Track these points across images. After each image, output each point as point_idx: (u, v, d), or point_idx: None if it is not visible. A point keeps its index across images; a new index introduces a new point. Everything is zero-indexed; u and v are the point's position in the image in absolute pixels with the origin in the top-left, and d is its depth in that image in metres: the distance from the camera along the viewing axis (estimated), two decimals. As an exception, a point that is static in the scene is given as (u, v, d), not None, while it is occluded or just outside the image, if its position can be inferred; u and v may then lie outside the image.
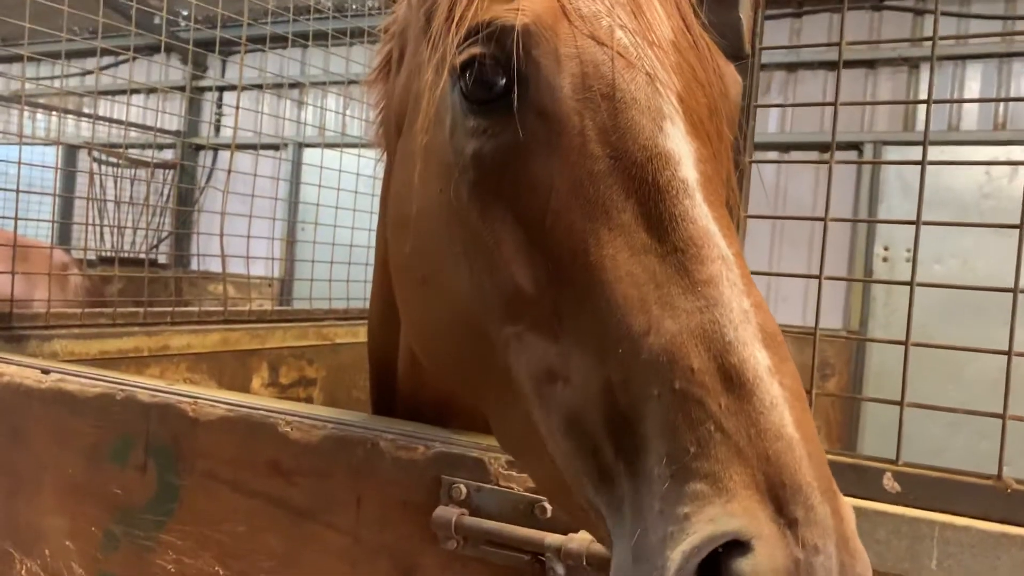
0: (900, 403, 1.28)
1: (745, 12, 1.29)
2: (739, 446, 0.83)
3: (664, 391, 0.88)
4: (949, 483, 1.23)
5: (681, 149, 1.03)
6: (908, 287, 1.34)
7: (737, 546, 0.79)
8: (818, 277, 1.34)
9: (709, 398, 0.86)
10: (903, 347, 1.33)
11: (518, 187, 1.10)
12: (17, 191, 2.90)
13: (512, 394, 1.12)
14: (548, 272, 1.05)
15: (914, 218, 1.32)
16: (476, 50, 1.11)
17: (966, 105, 7.11)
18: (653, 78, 1.07)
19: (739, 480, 0.82)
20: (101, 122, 8.98)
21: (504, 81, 1.10)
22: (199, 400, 1.80)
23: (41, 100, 9.29)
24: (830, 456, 1.31)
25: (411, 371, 1.77)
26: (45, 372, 2.04)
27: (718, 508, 0.81)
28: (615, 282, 0.97)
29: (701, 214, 0.99)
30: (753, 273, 1.48)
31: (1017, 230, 1.29)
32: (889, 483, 1.25)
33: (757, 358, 0.88)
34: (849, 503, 0.86)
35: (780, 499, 0.81)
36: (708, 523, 0.81)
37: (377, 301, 1.91)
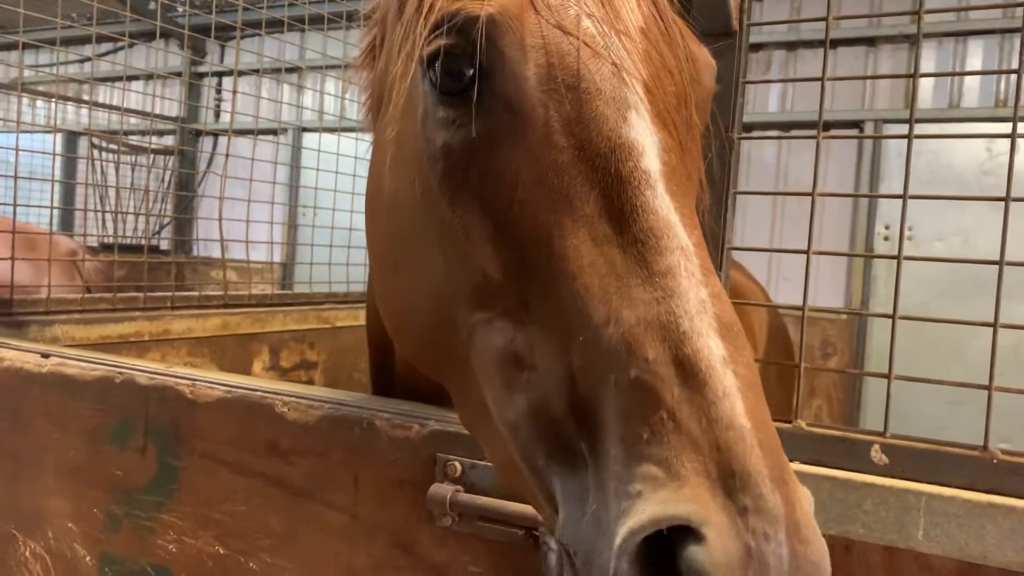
0: (888, 376, 1.29)
1: (733, -12, 1.29)
2: (691, 434, 0.85)
3: (621, 379, 0.90)
4: (936, 454, 1.24)
5: (644, 140, 1.04)
6: (907, 263, 1.35)
7: (688, 533, 0.80)
8: (805, 252, 1.35)
9: (663, 387, 0.87)
10: (906, 327, 1.33)
11: (486, 177, 1.11)
12: (16, 177, 2.91)
13: (474, 377, 1.14)
14: (515, 261, 1.07)
15: (914, 196, 1.33)
16: (442, 41, 1.11)
17: (967, 82, 7.07)
18: (620, 68, 1.07)
19: (690, 467, 0.83)
20: (100, 109, 8.97)
21: (471, 72, 1.10)
22: (197, 382, 1.81)
23: (40, 87, 9.28)
24: (818, 429, 1.32)
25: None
26: (45, 356, 2.06)
27: (669, 491, 0.83)
28: (577, 272, 0.99)
29: (662, 205, 0.99)
30: (749, 250, 1.49)
31: (1014, 203, 1.30)
32: (877, 455, 1.26)
33: (711, 348, 0.89)
34: (805, 491, 0.87)
35: (729, 487, 0.82)
36: (658, 504, 0.82)
37: (373, 281, 1.93)
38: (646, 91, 1.08)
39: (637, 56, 1.10)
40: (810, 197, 1.38)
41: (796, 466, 1.29)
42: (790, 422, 1.33)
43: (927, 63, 7.14)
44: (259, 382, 1.83)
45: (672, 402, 0.87)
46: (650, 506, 0.83)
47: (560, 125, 1.06)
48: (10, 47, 10.86)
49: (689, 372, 0.88)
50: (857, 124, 7.29)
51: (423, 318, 1.26)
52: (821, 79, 1.31)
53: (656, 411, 0.87)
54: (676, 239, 0.97)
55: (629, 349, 0.91)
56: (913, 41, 7.16)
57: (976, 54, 7.06)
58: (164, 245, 9.09)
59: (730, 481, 0.82)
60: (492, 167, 1.10)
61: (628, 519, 0.83)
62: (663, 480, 0.84)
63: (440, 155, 1.16)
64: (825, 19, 1.31)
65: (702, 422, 0.85)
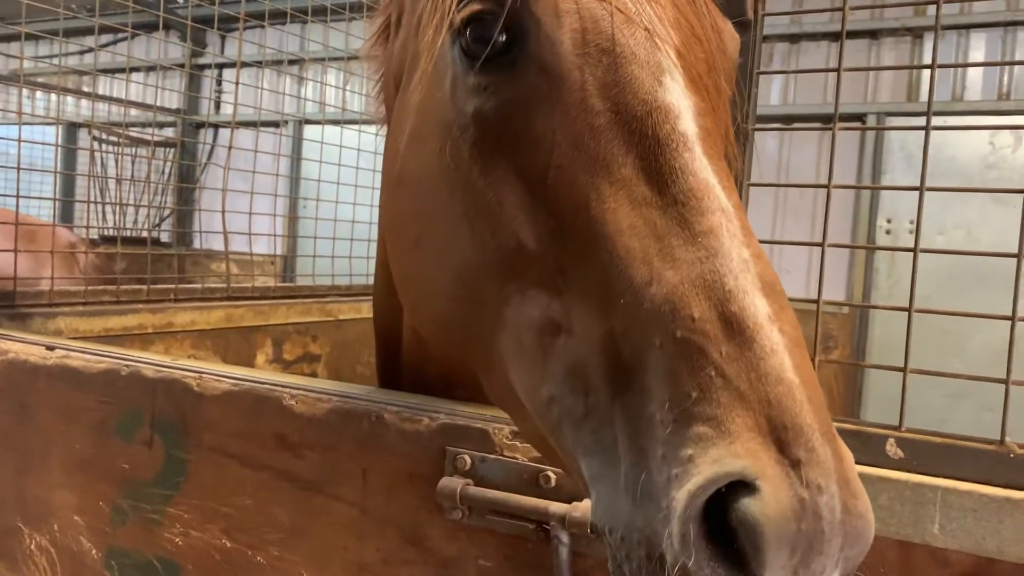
0: (903, 369, 1.28)
1: (747, -22, 1.28)
2: (740, 391, 0.85)
3: (666, 340, 0.90)
4: (952, 448, 1.24)
5: (680, 103, 1.04)
6: (911, 256, 1.34)
7: (742, 487, 0.81)
8: (821, 245, 1.34)
9: (710, 345, 0.87)
10: (905, 320, 1.32)
11: (520, 143, 1.11)
12: (18, 169, 2.90)
13: (500, 352, 1.14)
14: (551, 227, 1.06)
15: (932, 188, 1.32)
16: (477, 6, 1.12)
17: (970, 75, 7.06)
18: (652, 33, 1.08)
19: (742, 423, 0.83)
20: (101, 100, 8.95)
21: (503, 37, 1.11)
22: (204, 375, 1.80)
23: (40, 79, 9.25)
24: (834, 422, 1.32)
25: (416, 343, 1.77)
26: (50, 348, 2.05)
27: (722, 449, 0.82)
28: (617, 235, 0.98)
29: (701, 167, 1.00)
30: (761, 242, 1.48)
31: (1019, 196, 1.29)
32: (892, 449, 1.25)
33: (757, 306, 0.89)
34: (849, 453, 0.87)
35: (782, 441, 0.82)
36: (713, 463, 0.82)
37: (381, 272, 1.91)
38: (678, 56, 1.09)
39: (668, 22, 1.11)
40: (812, 190, 1.37)
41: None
42: (804, 416, 1.32)
43: (929, 55, 7.12)
44: (266, 375, 1.82)
45: (720, 360, 0.86)
46: (705, 467, 0.82)
47: (596, 89, 1.06)
48: (10, 38, 10.82)
49: (736, 330, 0.88)
50: (860, 117, 7.28)
51: (448, 292, 1.25)
52: (837, 70, 1.30)
53: (704, 370, 0.86)
54: (716, 200, 0.98)
55: (673, 309, 0.91)
56: (916, 34, 7.15)
57: (979, 47, 7.05)
58: (165, 237, 9.08)
59: (783, 435, 0.82)
60: (527, 132, 1.11)
61: (685, 483, 0.83)
62: (714, 438, 0.84)
63: (471, 122, 1.16)
64: (841, 9, 1.30)
65: (751, 378, 0.85)
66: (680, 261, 0.93)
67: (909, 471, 1.23)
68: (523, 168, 1.11)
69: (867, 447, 1.27)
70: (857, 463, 1.25)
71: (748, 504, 0.80)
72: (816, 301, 1.38)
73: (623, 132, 1.03)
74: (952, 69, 7.08)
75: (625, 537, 0.89)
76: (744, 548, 0.81)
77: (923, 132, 1.34)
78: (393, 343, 1.91)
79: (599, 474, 0.95)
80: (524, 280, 1.10)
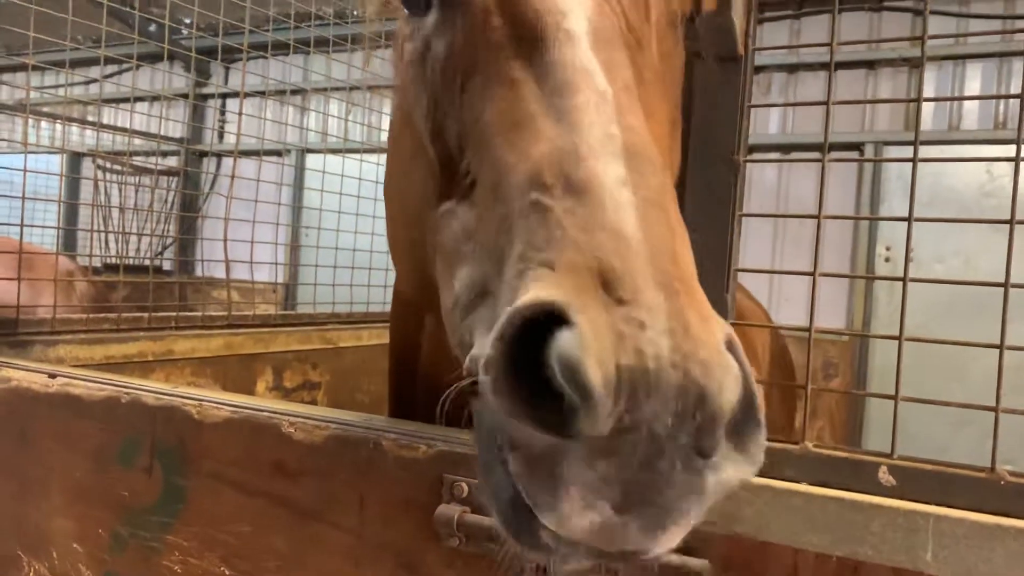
0: (895, 397, 1.29)
1: (738, 13, 1.31)
2: (577, 240, 0.87)
3: (524, 206, 0.95)
4: (944, 476, 1.24)
5: (569, 4, 1.10)
6: (909, 284, 1.36)
7: (562, 325, 0.79)
8: (812, 274, 1.36)
9: (557, 204, 0.92)
10: (908, 347, 1.34)
11: (437, 71, 1.22)
12: (23, 198, 2.93)
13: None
14: (462, 141, 1.15)
15: (920, 219, 1.34)
16: None
17: (967, 104, 7.11)
18: None
19: (570, 262, 0.85)
20: (106, 130, 9.02)
21: None
22: (204, 402, 1.82)
23: (45, 109, 9.33)
24: (825, 450, 1.33)
25: (436, 353, 1.78)
26: (51, 376, 2.06)
27: (547, 282, 0.84)
28: (504, 132, 1.05)
29: (581, 58, 1.05)
30: (754, 271, 1.50)
31: (1018, 225, 1.31)
32: (884, 476, 1.26)
33: (607, 170, 0.93)
34: (723, 323, 0.86)
35: (608, 282, 0.83)
36: (535, 291, 0.83)
37: (400, 282, 1.93)
38: None
39: None
40: (811, 218, 1.39)
41: (803, 487, 1.29)
42: (798, 443, 1.34)
43: (927, 86, 7.18)
44: (266, 402, 1.83)
45: (562, 215, 0.90)
46: (529, 294, 0.84)
47: (495, 6, 1.14)
48: (15, 69, 10.93)
49: (582, 190, 0.92)
50: (857, 146, 7.33)
51: (411, 233, 1.35)
52: (827, 103, 1.32)
53: (547, 225, 0.91)
54: (591, 83, 1.02)
55: (531, 178, 0.96)
56: (913, 64, 7.21)
57: (975, 77, 7.11)
58: (167, 265, 9.11)
59: (609, 276, 0.83)
60: (441, 60, 1.21)
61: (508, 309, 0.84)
62: (545, 277, 0.86)
63: (407, 67, 1.29)
64: (829, 44, 1.33)
65: (589, 229, 0.88)
66: (545, 138, 0.99)
67: (902, 498, 1.24)
68: (442, 95, 1.20)
69: (860, 474, 1.28)
70: (850, 490, 1.27)
71: (563, 336, 0.78)
72: (808, 329, 1.40)
73: (517, 41, 1.10)
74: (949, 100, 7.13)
75: (470, 370, 0.93)
76: (563, 391, 0.78)
77: (923, 162, 1.36)
78: (410, 356, 1.92)
79: (482, 331, 1.00)
80: (451, 199, 1.17)
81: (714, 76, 1.35)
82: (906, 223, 1.35)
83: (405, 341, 1.96)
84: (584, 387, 0.76)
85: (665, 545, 0.84)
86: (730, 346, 0.84)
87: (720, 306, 1.35)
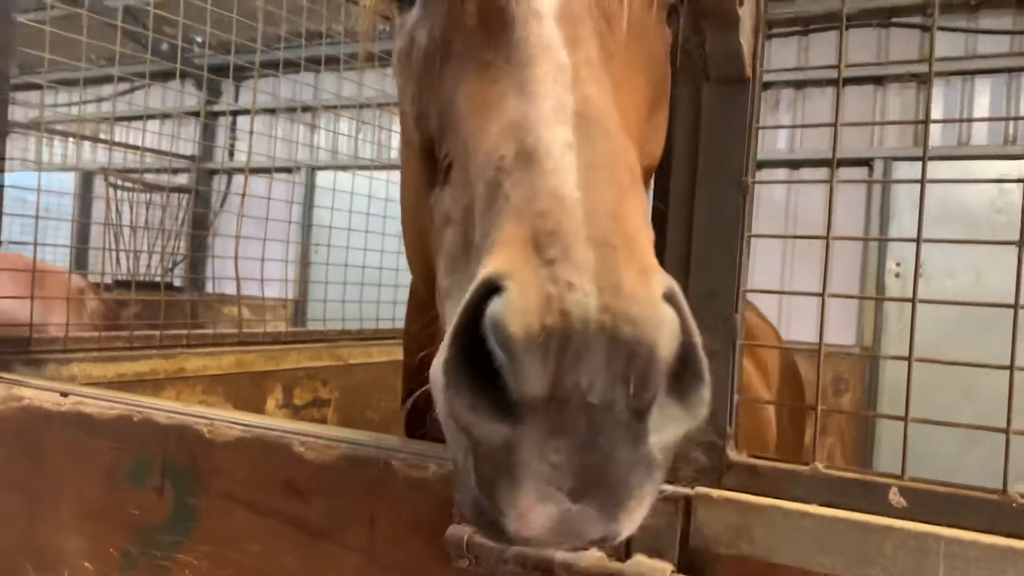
0: (904, 419, 1.29)
1: (746, 36, 1.31)
2: (518, 209, 0.88)
3: (484, 184, 0.96)
4: (955, 497, 1.24)
5: None
6: (915, 305, 1.36)
7: (497, 293, 0.81)
8: (820, 295, 1.36)
9: (506, 177, 0.92)
10: (917, 362, 1.33)
11: (420, 61, 1.25)
12: (36, 217, 2.95)
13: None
14: (441, 127, 1.17)
15: (924, 234, 1.34)
16: None
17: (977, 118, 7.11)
18: None
19: (509, 235, 0.86)
20: (118, 148, 9.09)
21: None
22: (215, 421, 1.83)
23: (58, 127, 9.41)
24: (836, 471, 1.32)
25: None
26: (64, 395, 2.07)
27: (493, 262, 0.84)
28: (472, 113, 1.07)
29: (544, 33, 1.06)
30: (764, 292, 1.51)
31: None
32: (895, 498, 1.26)
33: (553, 135, 0.93)
34: (664, 277, 0.84)
35: (540, 245, 0.83)
36: (481, 274, 0.84)
37: (413, 278, 1.93)
38: None
39: None
40: (820, 231, 1.40)
41: (814, 508, 1.29)
42: (808, 464, 1.33)
43: (936, 103, 7.17)
44: (276, 421, 1.84)
45: (510, 187, 0.91)
46: (475, 280, 0.84)
47: None
48: (28, 87, 11.01)
49: (528, 159, 0.92)
50: (866, 162, 7.32)
51: (413, 226, 1.38)
52: (834, 124, 1.33)
53: (499, 199, 0.91)
54: (551, 56, 1.03)
55: (489, 155, 0.97)
56: (921, 80, 7.21)
57: (984, 92, 7.10)
58: (178, 282, 9.14)
59: (541, 239, 0.83)
60: (423, 49, 1.24)
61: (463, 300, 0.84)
62: (492, 255, 0.86)
63: (398, 61, 1.33)
64: (837, 66, 1.34)
65: (528, 197, 0.88)
66: (505, 112, 1.00)
67: (913, 520, 1.23)
68: (424, 84, 1.23)
69: (870, 496, 1.28)
70: (861, 511, 1.27)
71: (494, 303, 0.79)
72: (818, 350, 1.40)
73: (487, 22, 1.12)
74: (959, 114, 7.12)
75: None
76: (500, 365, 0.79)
77: (929, 177, 1.36)
78: (419, 350, 1.92)
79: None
80: (438, 186, 1.18)
81: (722, 98, 1.36)
82: (910, 242, 1.35)
83: (415, 340, 1.97)
84: (505, 343, 0.77)
85: (629, 526, 0.85)
86: (671, 298, 0.83)
87: (730, 326, 1.35)
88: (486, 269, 0.83)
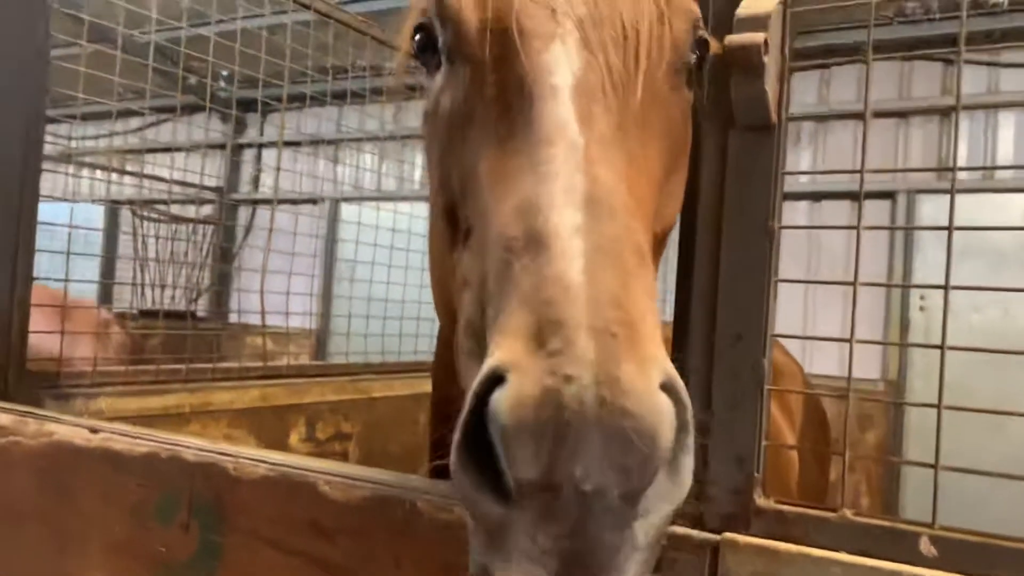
0: (935, 466, 1.28)
1: (771, 83, 1.32)
2: (525, 295, 0.88)
3: (496, 263, 0.97)
4: (987, 547, 1.23)
5: (558, 61, 1.12)
6: (944, 352, 1.35)
7: (499, 385, 0.82)
8: (849, 341, 1.36)
9: (515, 260, 0.93)
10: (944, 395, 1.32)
11: (444, 125, 1.27)
12: (68, 253, 3.00)
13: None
14: (462, 192, 1.19)
15: (956, 287, 1.34)
16: (418, 21, 1.32)
17: (1000, 153, 7.06)
18: (554, 11, 1.16)
19: (515, 325, 0.86)
20: (147, 179, 9.22)
21: (440, 41, 1.28)
22: (241, 459, 1.84)
23: (86, 159, 9.56)
24: (864, 519, 1.31)
25: None
26: (93, 431, 2.09)
27: (499, 352, 0.85)
28: (491, 185, 1.08)
29: (560, 111, 1.07)
30: (788, 336, 1.50)
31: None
32: (926, 547, 1.24)
33: (562, 218, 0.94)
34: (658, 363, 0.86)
35: (543, 335, 0.84)
36: (488, 363, 0.85)
37: (440, 321, 1.96)
38: (578, 25, 1.15)
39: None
40: (843, 261, 1.40)
41: (842, 556, 1.27)
42: (835, 511, 1.32)
43: (960, 137, 7.14)
44: (302, 460, 1.85)
45: (518, 271, 0.92)
46: (483, 369, 0.86)
47: (492, 62, 1.17)
48: (58, 120, 11.21)
49: (536, 242, 0.93)
50: (890, 195, 7.28)
51: (442, 276, 1.39)
52: (860, 171, 1.33)
53: (509, 281, 0.92)
54: (565, 136, 1.04)
55: (501, 234, 0.98)
56: (944, 113, 7.19)
57: (1008, 125, 7.07)
58: (201, 313, 9.21)
59: (545, 329, 0.84)
60: (447, 114, 1.26)
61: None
62: (499, 344, 0.87)
63: (426, 122, 1.36)
64: (862, 114, 1.35)
65: (535, 283, 0.89)
66: (517, 192, 1.01)
67: (944, 569, 1.22)
68: (448, 148, 1.25)
69: (901, 544, 1.26)
70: (890, 560, 1.25)
71: (495, 395, 0.81)
72: (846, 394, 1.39)
73: (509, 95, 1.13)
74: (983, 148, 7.09)
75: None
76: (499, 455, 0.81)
77: (955, 211, 1.35)
78: (446, 389, 1.93)
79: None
80: (459, 248, 1.20)
81: (747, 144, 1.37)
82: (943, 269, 1.35)
83: (441, 379, 1.98)
84: (500, 432, 0.80)
85: None
86: (669, 386, 0.86)
87: (757, 371, 1.35)
88: (491, 360, 0.85)
